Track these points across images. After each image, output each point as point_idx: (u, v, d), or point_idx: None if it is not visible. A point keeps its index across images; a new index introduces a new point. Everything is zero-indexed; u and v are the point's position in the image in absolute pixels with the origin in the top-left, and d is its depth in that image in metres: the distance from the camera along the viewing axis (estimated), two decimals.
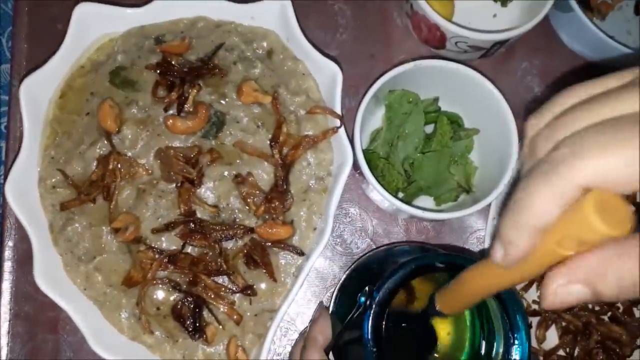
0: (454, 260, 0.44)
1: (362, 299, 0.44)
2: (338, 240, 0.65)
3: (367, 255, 0.62)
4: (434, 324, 0.49)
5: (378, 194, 0.58)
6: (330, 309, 0.57)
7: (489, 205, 0.59)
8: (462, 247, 0.66)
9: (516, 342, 0.44)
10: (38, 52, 0.66)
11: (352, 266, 0.60)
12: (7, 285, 0.62)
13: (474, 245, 0.66)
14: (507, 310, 0.44)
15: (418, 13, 0.62)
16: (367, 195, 0.66)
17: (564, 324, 0.63)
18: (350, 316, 0.47)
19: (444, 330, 0.50)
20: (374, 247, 0.65)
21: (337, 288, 0.58)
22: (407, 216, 0.64)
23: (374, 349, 0.42)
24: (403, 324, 0.48)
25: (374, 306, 0.42)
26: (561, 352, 0.63)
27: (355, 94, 0.67)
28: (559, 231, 0.26)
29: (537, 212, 0.26)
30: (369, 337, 0.42)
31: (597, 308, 0.64)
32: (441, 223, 0.66)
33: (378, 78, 0.58)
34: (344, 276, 0.59)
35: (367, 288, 0.44)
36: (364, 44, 0.69)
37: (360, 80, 0.67)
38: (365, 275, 0.56)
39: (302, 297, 0.63)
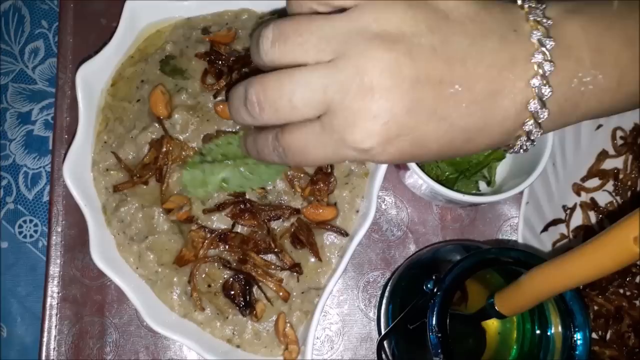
0: (526, 258, 0.45)
1: (430, 285, 0.45)
2: (374, 227, 0.67)
3: (418, 253, 0.63)
4: (485, 324, 0.49)
5: (414, 180, 0.60)
6: (384, 304, 0.58)
7: (522, 192, 0.61)
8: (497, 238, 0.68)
9: (576, 335, 0.44)
10: (83, 45, 0.69)
11: (405, 264, 0.62)
12: (55, 269, 0.64)
13: (507, 233, 0.67)
14: (565, 301, 0.44)
15: None
16: (402, 184, 0.67)
17: (596, 307, 0.65)
18: (412, 304, 0.48)
19: (493, 330, 0.51)
20: (410, 234, 0.67)
21: (390, 285, 0.59)
22: (443, 203, 0.66)
23: (439, 335, 0.43)
24: (456, 324, 0.47)
25: (442, 291, 0.43)
26: (594, 336, 0.64)
27: None
28: (637, 227, 0.28)
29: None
30: (435, 322, 0.43)
31: (628, 293, 0.65)
32: (475, 211, 0.68)
33: None
34: (397, 273, 0.60)
35: (434, 276, 0.45)
36: None
37: None
38: (419, 272, 0.56)
39: (340, 282, 0.65)
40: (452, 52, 0.37)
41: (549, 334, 0.47)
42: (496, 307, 0.43)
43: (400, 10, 0.37)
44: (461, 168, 0.64)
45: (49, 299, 0.63)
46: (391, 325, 0.52)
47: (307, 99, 0.37)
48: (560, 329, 0.46)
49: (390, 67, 0.36)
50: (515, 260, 0.46)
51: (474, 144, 0.40)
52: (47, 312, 0.63)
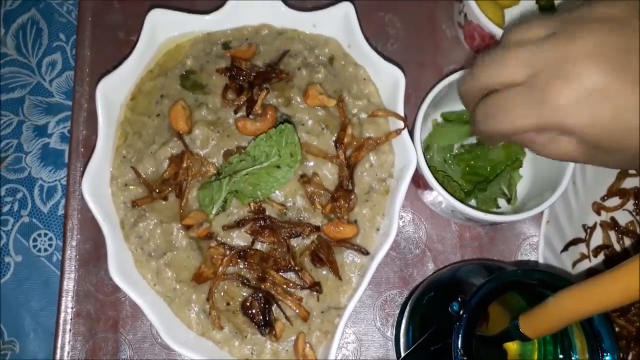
0: (551, 280, 0.44)
1: (455, 307, 0.44)
2: (392, 245, 0.65)
3: (437, 273, 0.62)
4: (505, 346, 0.48)
5: (433, 197, 0.60)
6: (403, 324, 0.57)
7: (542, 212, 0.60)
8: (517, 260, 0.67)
9: (605, 359, 0.43)
10: (100, 59, 0.69)
11: (424, 283, 0.61)
12: (69, 284, 0.63)
13: (527, 252, 0.66)
14: (592, 324, 0.43)
15: (472, 22, 0.64)
16: (420, 201, 0.67)
17: (617, 329, 0.63)
18: (435, 326, 0.47)
19: (514, 352, 0.49)
20: (428, 252, 0.66)
21: (410, 305, 0.58)
22: (462, 221, 0.65)
23: (465, 357, 0.42)
24: (478, 346, 0.47)
25: (469, 312, 0.43)
26: None
27: (406, 102, 0.68)
28: None
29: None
30: (460, 344, 0.42)
31: None
32: (494, 229, 0.67)
33: (433, 86, 0.59)
34: (417, 293, 0.59)
35: (459, 298, 0.44)
36: (413, 54, 0.71)
37: (411, 89, 0.69)
38: (439, 292, 0.56)
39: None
40: None
41: (573, 359, 0.46)
42: (521, 329, 0.43)
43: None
44: (478, 180, 0.63)
45: (62, 314, 0.62)
46: (412, 347, 0.51)
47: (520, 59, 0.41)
48: (586, 353, 0.45)
49: (594, 38, 0.38)
50: (541, 282, 0.45)
51: None
52: (61, 328, 0.62)
